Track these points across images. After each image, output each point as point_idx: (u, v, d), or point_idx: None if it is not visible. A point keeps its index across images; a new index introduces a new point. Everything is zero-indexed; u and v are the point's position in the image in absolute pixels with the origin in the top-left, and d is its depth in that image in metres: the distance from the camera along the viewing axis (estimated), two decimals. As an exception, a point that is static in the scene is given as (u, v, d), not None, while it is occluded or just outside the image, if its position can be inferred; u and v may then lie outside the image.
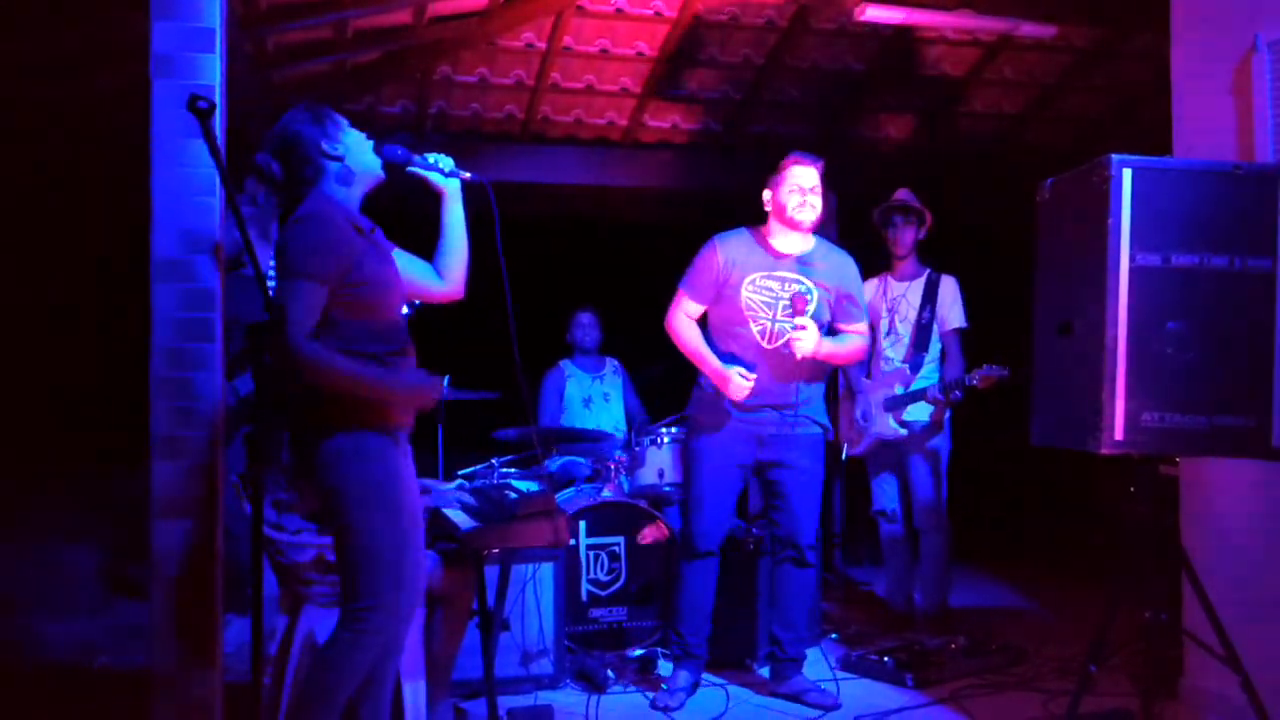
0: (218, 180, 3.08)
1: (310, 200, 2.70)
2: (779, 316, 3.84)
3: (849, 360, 4.00)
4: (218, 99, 3.10)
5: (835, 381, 5.28)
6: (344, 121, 2.82)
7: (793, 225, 3.85)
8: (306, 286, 2.54)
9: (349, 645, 2.63)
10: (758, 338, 3.85)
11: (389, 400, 2.69)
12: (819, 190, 3.86)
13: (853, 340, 3.98)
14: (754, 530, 4.53)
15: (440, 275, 3.01)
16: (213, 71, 3.12)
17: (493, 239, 3.01)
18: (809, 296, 3.85)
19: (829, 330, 3.95)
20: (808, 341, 3.74)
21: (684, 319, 3.97)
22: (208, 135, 2.48)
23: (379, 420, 2.66)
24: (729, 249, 3.91)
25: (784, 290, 3.84)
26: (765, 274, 3.86)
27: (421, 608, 3.33)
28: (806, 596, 4.00)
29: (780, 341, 3.82)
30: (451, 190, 3.01)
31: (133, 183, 3.20)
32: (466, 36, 5.37)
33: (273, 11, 4.65)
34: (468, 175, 3.04)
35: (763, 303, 3.86)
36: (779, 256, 3.89)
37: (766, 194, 3.92)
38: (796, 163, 3.86)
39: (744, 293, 3.85)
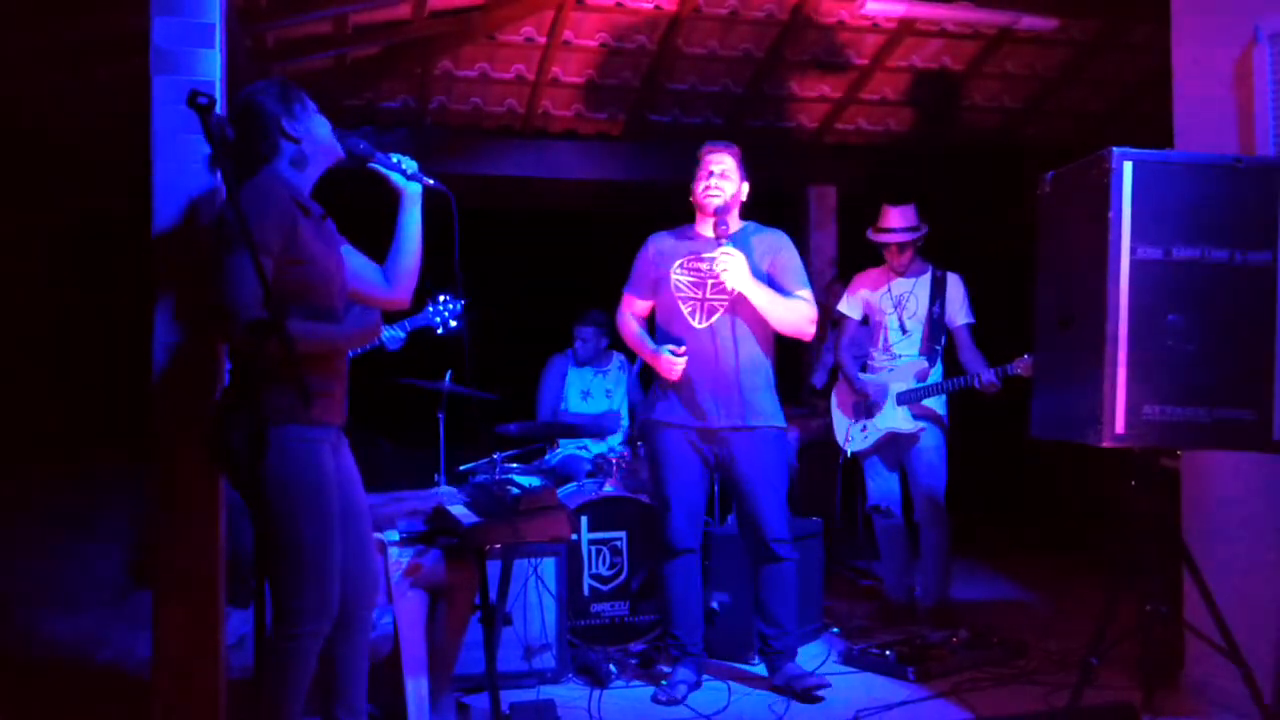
0: (218, 175, 3.08)
1: (259, 176, 2.68)
2: (708, 295, 3.89)
3: (790, 321, 3.89)
4: (218, 94, 3.10)
5: (836, 377, 5.29)
6: (311, 105, 2.79)
7: (702, 208, 3.94)
8: (245, 256, 2.45)
9: (280, 650, 2.59)
10: (689, 318, 3.91)
11: (333, 348, 2.70)
12: (729, 175, 3.94)
13: (795, 301, 3.92)
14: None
15: (387, 279, 2.97)
16: (213, 67, 3.11)
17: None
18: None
19: None
20: (733, 265, 3.75)
21: (624, 317, 4.12)
22: (208, 130, 2.47)
23: (303, 414, 2.60)
24: (659, 241, 4.07)
25: (710, 269, 3.88)
26: (693, 257, 3.95)
27: (423, 603, 3.34)
28: (787, 593, 3.97)
29: (708, 321, 3.87)
30: (411, 193, 2.96)
31: (135, 176, 3.20)
32: (466, 31, 5.37)
33: (273, 6, 4.65)
34: (430, 182, 2.99)
35: (690, 283, 3.93)
36: (705, 240, 3.94)
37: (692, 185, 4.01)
38: (709, 150, 3.99)
39: (674, 276, 3.96)
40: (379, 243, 3.02)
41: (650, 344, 3.99)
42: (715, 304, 3.88)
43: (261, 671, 2.61)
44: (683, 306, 3.92)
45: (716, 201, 3.89)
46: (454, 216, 2.97)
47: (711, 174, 3.93)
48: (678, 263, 3.97)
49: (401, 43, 5.39)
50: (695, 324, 3.90)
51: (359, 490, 2.87)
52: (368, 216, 3.25)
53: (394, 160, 2.94)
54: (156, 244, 3.07)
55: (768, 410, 3.94)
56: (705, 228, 3.95)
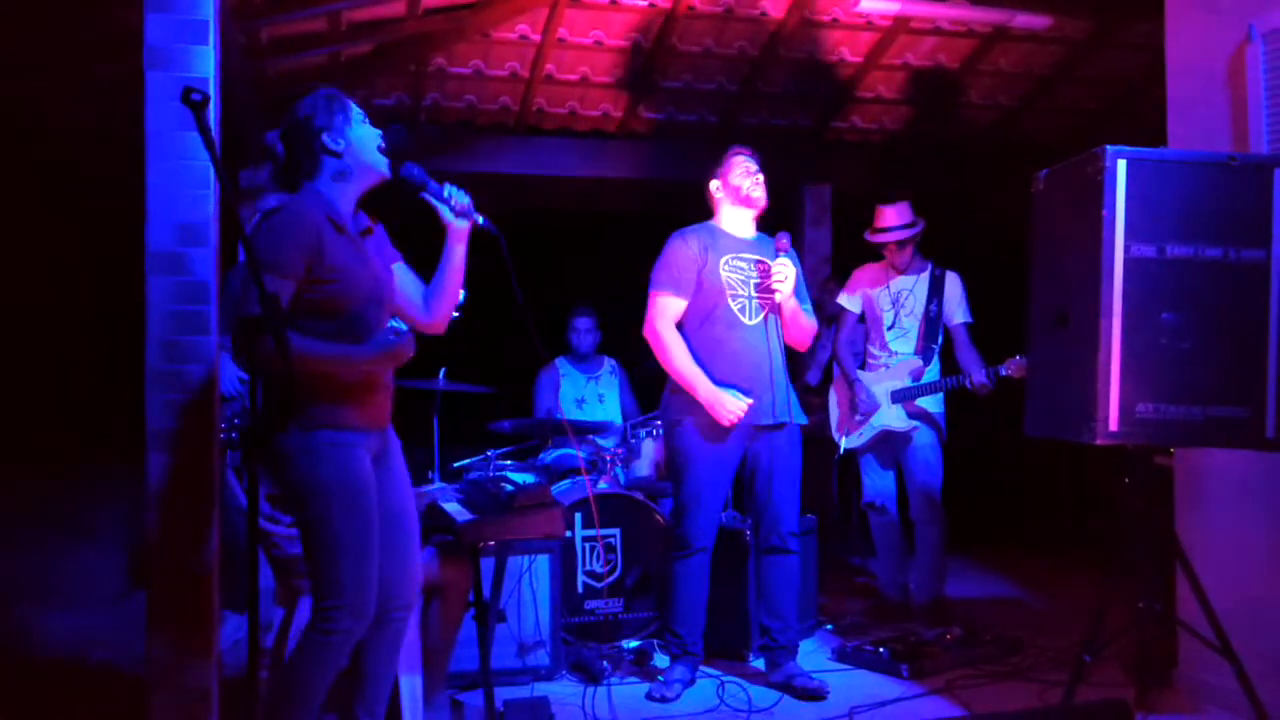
0: (212, 173, 3.08)
1: (299, 194, 2.69)
2: (754, 293, 3.95)
3: (803, 333, 4.05)
4: (212, 91, 3.10)
5: (830, 374, 5.30)
6: (356, 116, 2.78)
7: (749, 203, 4.02)
8: (266, 278, 2.45)
9: (315, 645, 2.60)
10: (739, 314, 3.93)
11: (351, 368, 2.65)
12: (761, 175, 4.05)
13: (809, 316, 4.10)
14: (748, 520, 4.53)
15: (426, 306, 2.95)
16: (206, 64, 3.11)
17: (479, 236, 2.94)
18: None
19: None
20: (790, 276, 3.89)
21: (669, 328, 3.95)
22: (202, 128, 2.46)
23: (334, 418, 2.62)
24: (697, 236, 4.02)
25: (752, 269, 3.97)
26: (734, 255, 3.98)
27: (418, 602, 3.34)
28: (793, 585, 4.00)
29: (759, 317, 3.92)
30: (458, 229, 2.90)
31: (134, 176, 3.19)
32: (460, 28, 5.36)
33: (267, 3, 4.63)
34: (480, 219, 2.90)
35: (740, 280, 3.96)
36: (739, 239, 4.03)
37: (715, 184, 4.07)
38: (740, 152, 4.07)
39: (723, 272, 3.95)
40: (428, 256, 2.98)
41: (706, 383, 3.84)
42: (764, 301, 3.94)
43: (290, 661, 2.64)
44: (732, 303, 3.93)
45: (762, 196, 4.00)
46: (506, 259, 2.90)
47: (752, 171, 4.01)
48: (725, 258, 3.96)
49: (395, 40, 5.38)
50: (747, 320, 3.93)
51: (405, 494, 2.86)
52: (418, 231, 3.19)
53: (446, 194, 2.86)
54: (150, 240, 3.07)
55: (796, 406, 4.02)
56: (738, 228, 4.03)
